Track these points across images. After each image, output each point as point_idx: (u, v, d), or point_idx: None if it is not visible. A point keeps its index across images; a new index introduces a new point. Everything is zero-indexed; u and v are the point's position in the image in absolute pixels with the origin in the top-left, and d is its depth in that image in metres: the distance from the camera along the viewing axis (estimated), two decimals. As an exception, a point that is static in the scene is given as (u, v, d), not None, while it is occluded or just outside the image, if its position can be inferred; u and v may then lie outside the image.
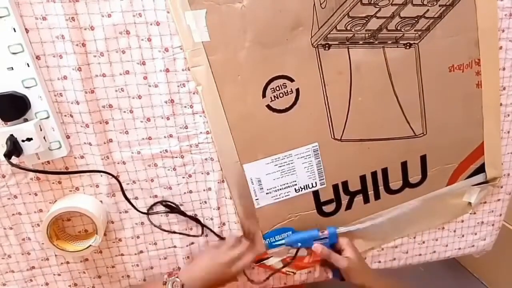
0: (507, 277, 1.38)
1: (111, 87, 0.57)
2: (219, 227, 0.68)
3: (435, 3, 0.61)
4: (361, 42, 0.61)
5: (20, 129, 0.52)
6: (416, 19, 0.61)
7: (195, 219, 0.66)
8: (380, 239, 0.76)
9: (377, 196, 0.71)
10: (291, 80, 0.61)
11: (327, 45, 0.60)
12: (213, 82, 0.59)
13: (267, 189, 0.67)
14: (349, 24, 0.59)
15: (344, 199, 0.70)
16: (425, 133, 0.68)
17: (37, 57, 0.53)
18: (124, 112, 0.58)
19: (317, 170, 0.67)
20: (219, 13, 0.56)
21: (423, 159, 0.70)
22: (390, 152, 0.68)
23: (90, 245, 0.60)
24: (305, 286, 0.82)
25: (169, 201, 0.65)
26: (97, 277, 0.68)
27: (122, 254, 0.67)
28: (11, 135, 0.51)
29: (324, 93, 0.63)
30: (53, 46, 0.53)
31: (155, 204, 0.65)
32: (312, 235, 0.67)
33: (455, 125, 0.69)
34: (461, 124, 0.69)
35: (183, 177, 0.64)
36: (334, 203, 0.70)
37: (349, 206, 0.71)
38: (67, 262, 0.66)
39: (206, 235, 0.69)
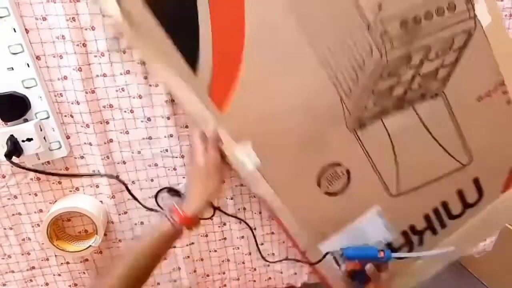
0: (507, 277, 1.38)
1: (112, 87, 0.57)
2: (219, 226, 0.68)
3: (449, 50, 0.62)
4: (392, 110, 0.64)
5: (20, 129, 0.52)
6: (436, 71, 0.63)
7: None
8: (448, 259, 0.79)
9: (443, 225, 0.74)
10: (340, 165, 0.64)
11: (362, 125, 0.64)
12: (272, 191, 0.64)
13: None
14: (376, 100, 0.62)
15: (415, 239, 0.74)
16: (471, 160, 0.70)
17: (37, 57, 0.53)
18: (125, 112, 0.58)
19: (385, 226, 0.70)
20: (263, 137, 0.60)
21: (476, 181, 0.72)
22: (445, 187, 0.71)
23: (90, 246, 0.61)
24: (306, 286, 0.82)
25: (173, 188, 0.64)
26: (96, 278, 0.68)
27: (122, 255, 0.67)
28: (11, 135, 0.51)
29: (372, 164, 0.66)
30: (53, 46, 0.53)
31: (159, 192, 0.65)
32: (371, 255, 0.67)
33: (498, 143, 0.71)
34: (503, 139, 0.71)
35: (184, 177, 0.64)
36: (407, 245, 0.74)
37: (420, 242, 0.75)
38: (67, 263, 0.66)
39: (206, 235, 0.69)
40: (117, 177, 0.60)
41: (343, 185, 0.66)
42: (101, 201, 0.63)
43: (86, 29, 0.53)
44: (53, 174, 0.58)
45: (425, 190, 0.70)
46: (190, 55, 0.54)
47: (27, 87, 0.52)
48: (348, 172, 0.65)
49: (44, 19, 0.51)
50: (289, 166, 0.63)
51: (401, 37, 0.59)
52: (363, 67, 0.60)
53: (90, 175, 0.61)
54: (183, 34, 0.53)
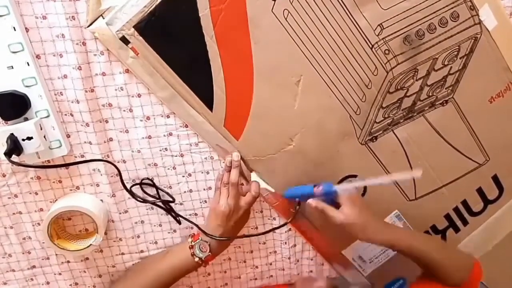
0: (507, 277, 1.38)
1: (111, 86, 0.57)
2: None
3: (455, 58, 0.62)
4: (402, 121, 0.65)
5: (20, 128, 0.52)
6: (444, 79, 0.63)
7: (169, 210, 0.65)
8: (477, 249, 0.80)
9: (465, 223, 0.76)
10: (356, 176, 0.68)
11: (374, 138, 0.65)
12: None
13: (369, 259, 0.76)
14: (385, 113, 0.64)
15: None
16: (488, 159, 0.71)
17: (37, 56, 0.53)
18: (124, 110, 0.58)
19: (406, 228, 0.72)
20: (279, 160, 0.64)
21: (495, 178, 0.73)
22: (463, 187, 0.72)
23: (91, 244, 0.61)
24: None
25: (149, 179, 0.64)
26: (97, 277, 0.68)
27: (122, 253, 0.67)
28: (12, 134, 0.51)
29: (387, 173, 0.68)
30: (53, 45, 0.53)
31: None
32: (308, 192, 0.63)
33: None
34: None
35: (183, 176, 0.64)
36: None
37: (443, 240, 0.76)
38: (68, 261, 0.66)
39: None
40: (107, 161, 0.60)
41: (362, 193, 0.68)
42: (102, 200, 0.63)
43: (85, 28, 0.53)
44: (48, 167, 0.58)
45: (444, 191, 0.72)
46: (205, 95, 0.58)
47: (27, 86, 0.53)
48: None
49: (44, 17, 0.51)
50: (307, 182, 0.64)
51: (405, 52, 0.60)
52: (369, 85, 0.61)
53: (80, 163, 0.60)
54: (197, 78, 0.57)
